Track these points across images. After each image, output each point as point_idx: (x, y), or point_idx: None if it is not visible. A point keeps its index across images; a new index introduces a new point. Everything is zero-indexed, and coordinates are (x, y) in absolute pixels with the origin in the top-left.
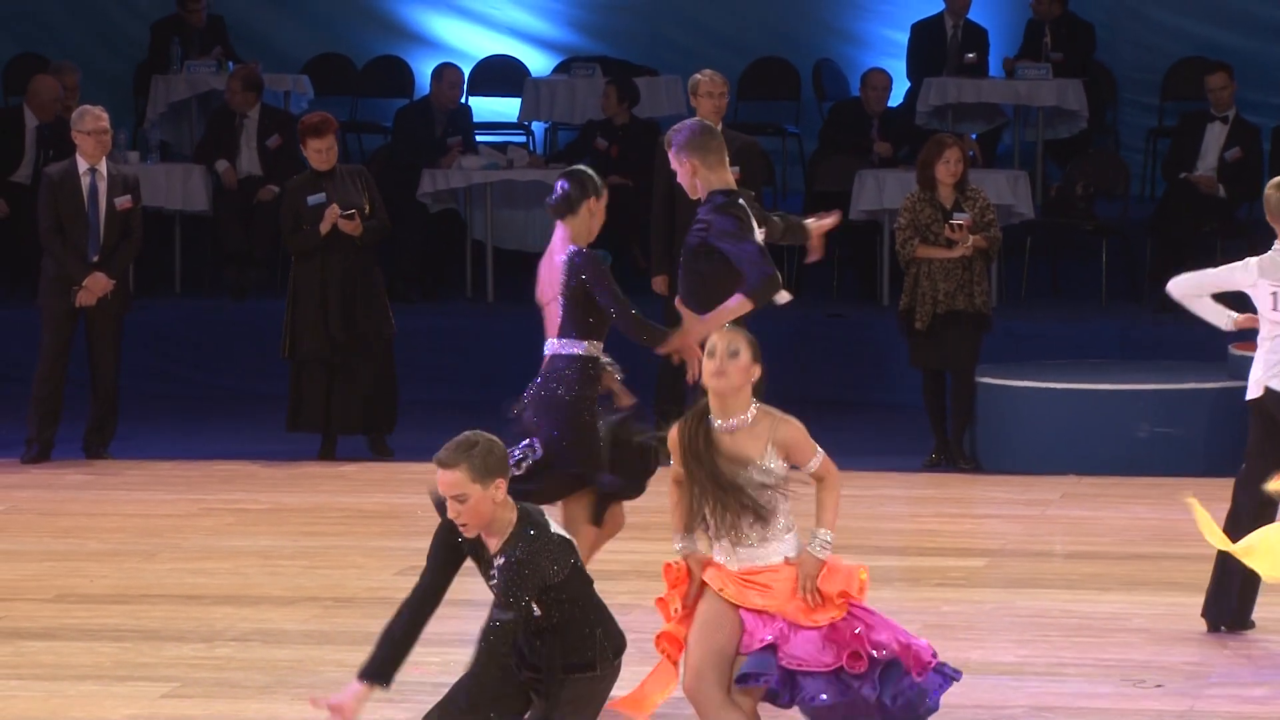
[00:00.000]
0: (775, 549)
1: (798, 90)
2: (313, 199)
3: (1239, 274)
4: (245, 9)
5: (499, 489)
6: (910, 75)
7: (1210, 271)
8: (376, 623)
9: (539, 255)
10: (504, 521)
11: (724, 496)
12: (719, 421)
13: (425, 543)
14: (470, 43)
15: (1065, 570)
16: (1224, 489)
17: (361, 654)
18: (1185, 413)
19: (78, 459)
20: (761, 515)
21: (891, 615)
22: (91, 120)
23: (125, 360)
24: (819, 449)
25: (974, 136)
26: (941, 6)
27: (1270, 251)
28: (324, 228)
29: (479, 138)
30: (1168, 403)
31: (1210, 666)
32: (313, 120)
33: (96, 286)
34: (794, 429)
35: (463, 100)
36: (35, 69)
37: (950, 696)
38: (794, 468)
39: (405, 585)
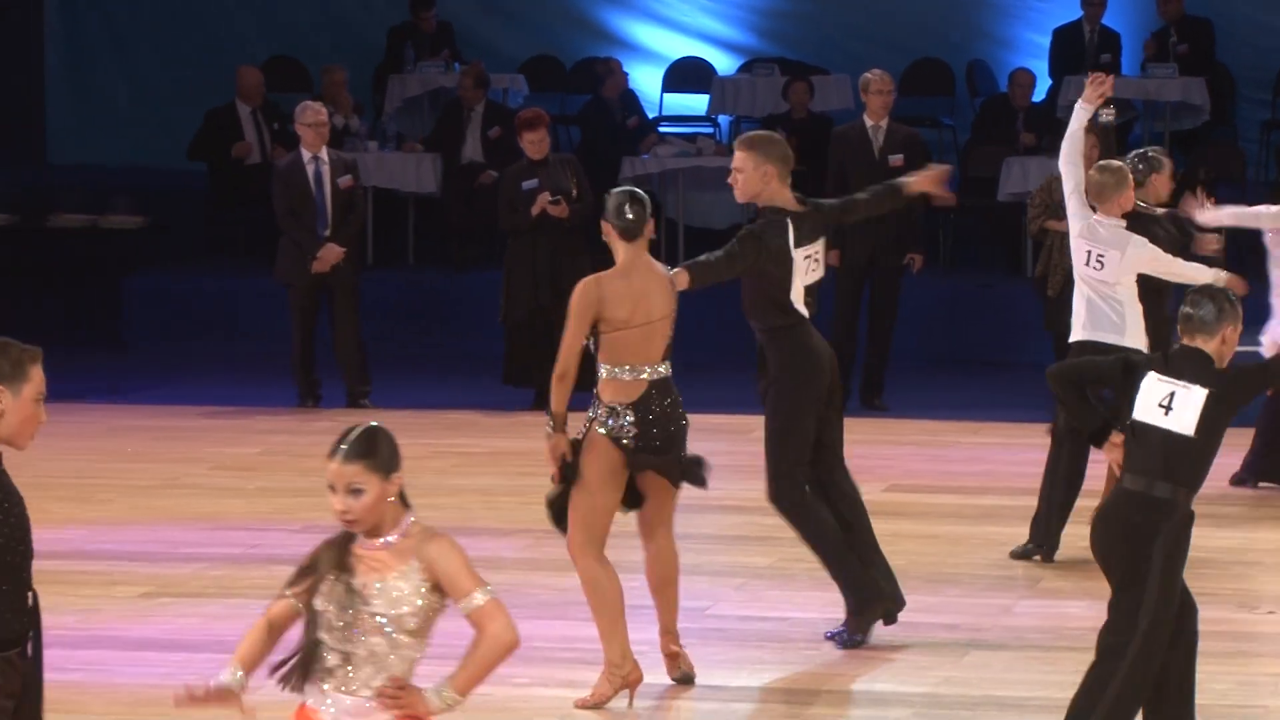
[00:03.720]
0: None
1: (952, 87)
2: (526, 184)
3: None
4: (470, 15)
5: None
6: (1052, 74)
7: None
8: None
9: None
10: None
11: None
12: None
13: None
14: (665, 45)
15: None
16: None
17: (575, 581)
18: None
19: (341, 407)
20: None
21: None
22: (312, 114)
23: (365, 323)
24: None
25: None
26: (1080, 13)
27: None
28: (534, 210)
29: (673, 129)
30: None
31: None
32: (527, 115)
33: (330, 256)
34: (446, 547)
35: (628, 86)
36: (287, 70)
37: None
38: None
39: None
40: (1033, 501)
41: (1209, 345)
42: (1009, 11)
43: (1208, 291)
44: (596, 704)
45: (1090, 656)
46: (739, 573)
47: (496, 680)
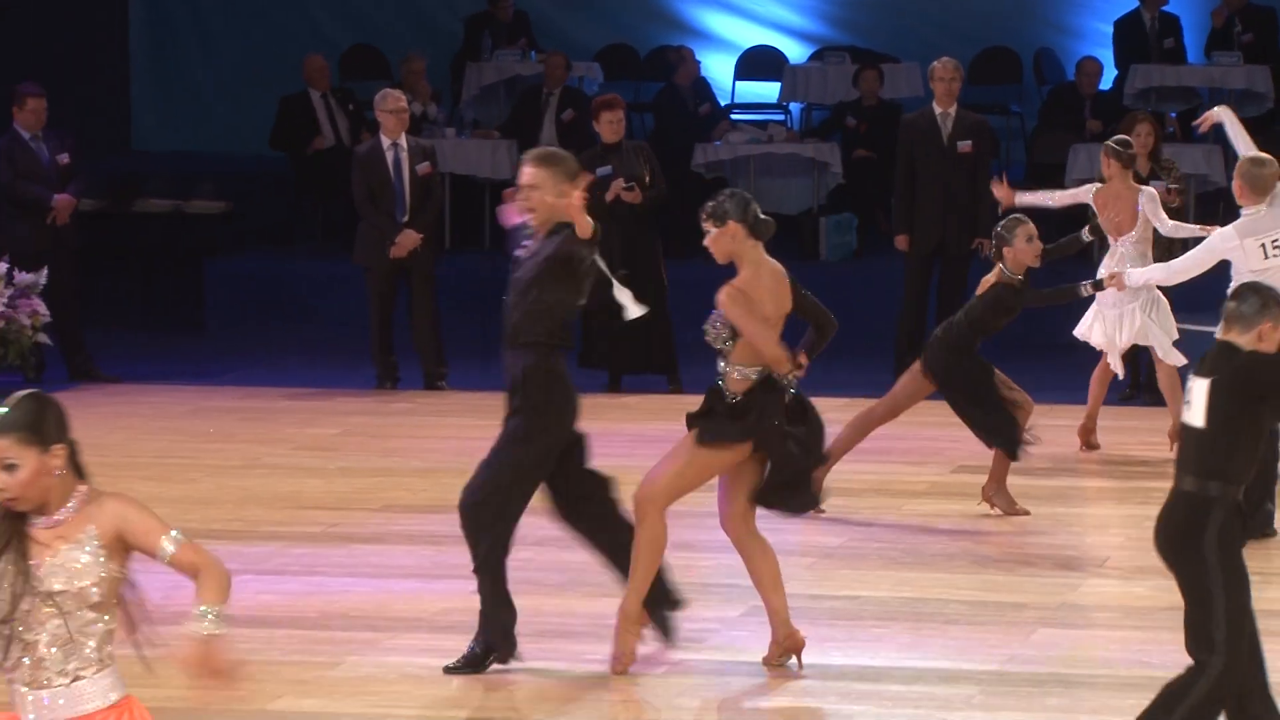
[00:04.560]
0: (93, 688)
1: (1020, 75)
2: (600, 170)
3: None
4: (546, 4)
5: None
6: (1117, 64)
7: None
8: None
9: (795, 218)
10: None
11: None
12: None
13: None
14: (737, 34)
15: None
16: None
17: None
18: None
19: (418, 389)
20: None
21: None
22: (392, 101)
23: (441, 307)
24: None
25: (1173, 115)
26: (1137, 2)
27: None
28: (609, 196)
29: (745, 117)
30: None
31: None
32: (605, 97)
33: (408, 241)
34: (123, 504)
35: (700, 74)
36: (366, 59)
37: None
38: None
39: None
40: (1099, 483)
41: (1243, 339)
42: (1076, 1)
43: (1253, 286)
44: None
45: (1155, 634)
46: (810, 552)
47: (570, 656)
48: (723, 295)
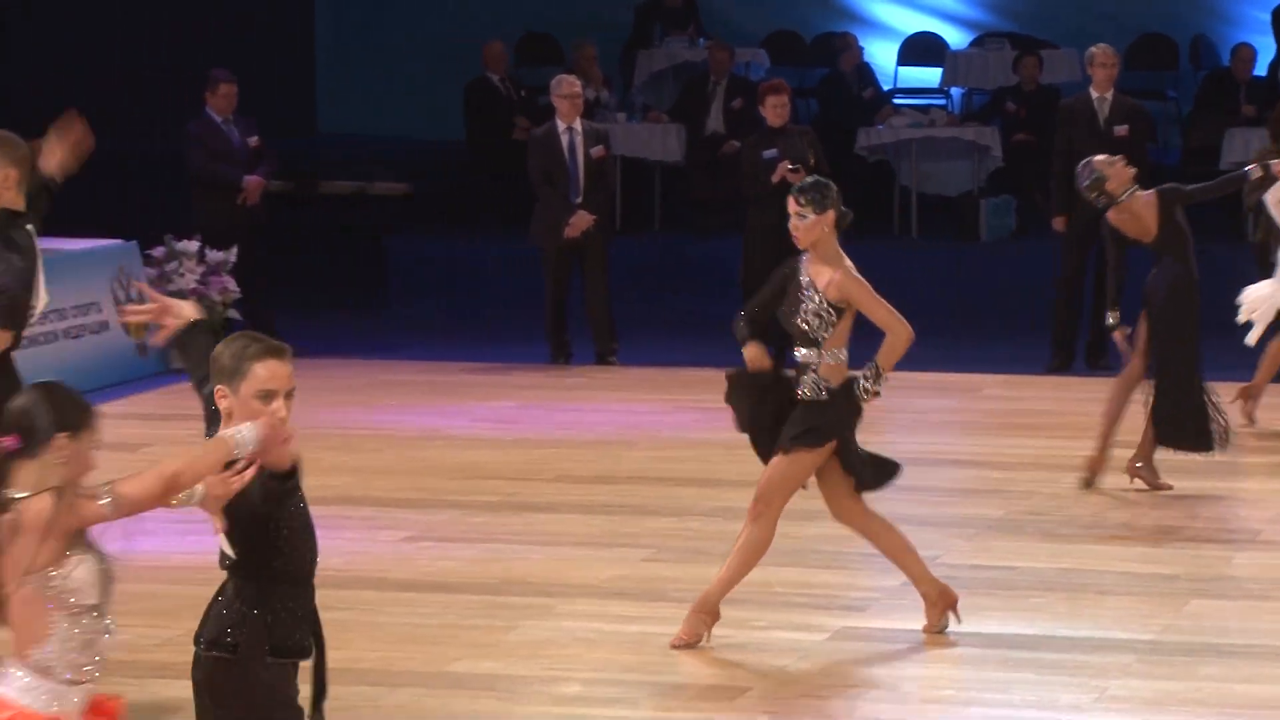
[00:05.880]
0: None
1: (1176, 61)
2: (767, 154)
3: None
4: None
5: None
6: (1278, 49)
7: None
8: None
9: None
10: None
11: None
12: None
13: (861, 437)
14: (900, 20)
15: None
16: None
17: (810, 530)
18: None
19: (589, 364)
20: None
21: None
22: (566, 87)
23: (613, 285)
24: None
25: None
26: None
27: None
28: (774, 178)
29: (907, 101)
30: None
31: None
32: (771, 82)
33: (581, 223)
34: None
35: (864, 60)
36: (539, 46)
37: None
38: None
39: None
40: (1255, 458)
41: None
42: None
43: None
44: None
45: None
46: (969, 524)
47: (736, 623)
48: (848, 282)
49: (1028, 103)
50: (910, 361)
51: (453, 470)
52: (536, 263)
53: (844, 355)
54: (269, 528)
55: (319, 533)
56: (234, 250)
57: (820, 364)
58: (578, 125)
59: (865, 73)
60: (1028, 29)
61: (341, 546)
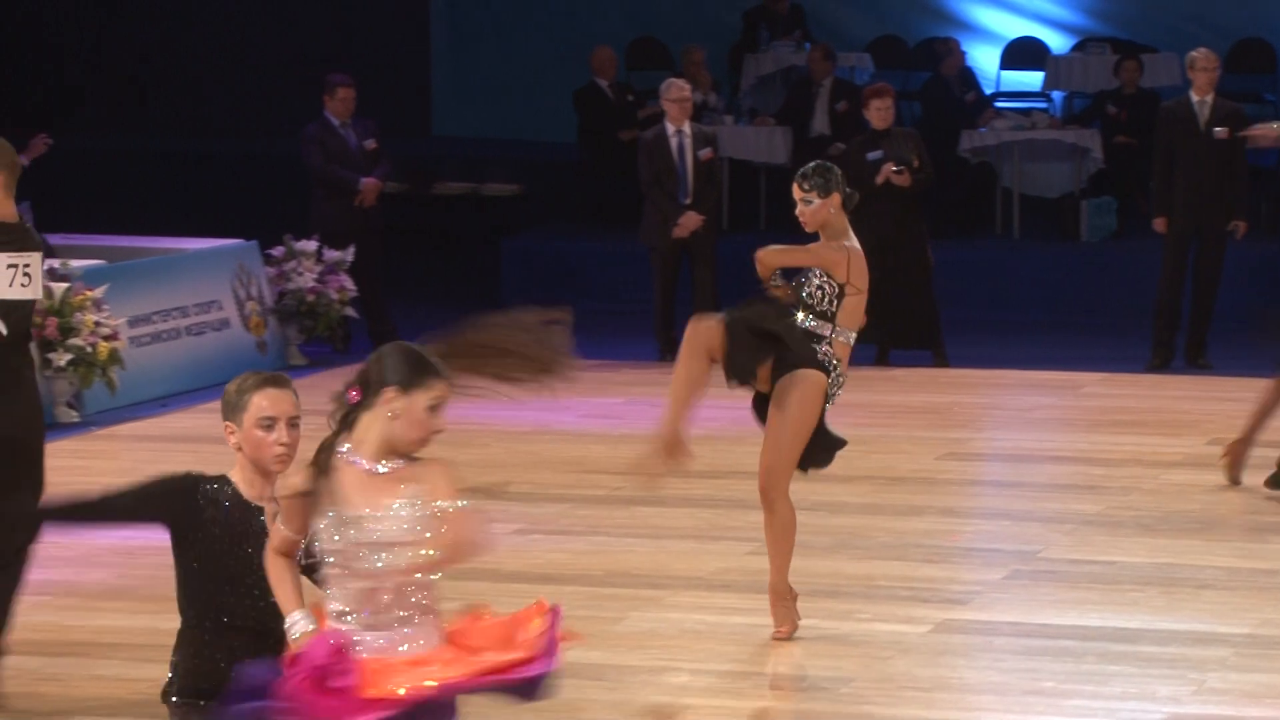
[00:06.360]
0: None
1: (1274, 65)
2: (871, 155)
3: None
4: None
5: None
6: None
7: None
8: (921, 499)
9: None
10: None
11: None
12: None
13: (964, 435)
14: (1002, 25)
15: None
16: None
17: (914, 525)
18: None
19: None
20: None
21: None
22: (676, 90)
23: (720, 284)
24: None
25: None
26: None
27: None
28: (879, 179)
29: (1009, 105)
30: None
31: None
32: (876, 86)
33: (690, 222)
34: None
35: (966, 64)
36: (649, 50)
37: None
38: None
39: (948, 469)
40: None
41: None
42: None
43: None
44: None
45: None
46: (1069, 519)
47: (840, 615)
48: (823, 248)
49: (1128, 106)
50: (1011, 360)
51: (562, 464)
52: (645, 261)
53: (853, 337)
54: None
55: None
56: (351, 249)
57: (832, 339)
58: (686, 128)
59: (968, 77)
60: (1128, 34)
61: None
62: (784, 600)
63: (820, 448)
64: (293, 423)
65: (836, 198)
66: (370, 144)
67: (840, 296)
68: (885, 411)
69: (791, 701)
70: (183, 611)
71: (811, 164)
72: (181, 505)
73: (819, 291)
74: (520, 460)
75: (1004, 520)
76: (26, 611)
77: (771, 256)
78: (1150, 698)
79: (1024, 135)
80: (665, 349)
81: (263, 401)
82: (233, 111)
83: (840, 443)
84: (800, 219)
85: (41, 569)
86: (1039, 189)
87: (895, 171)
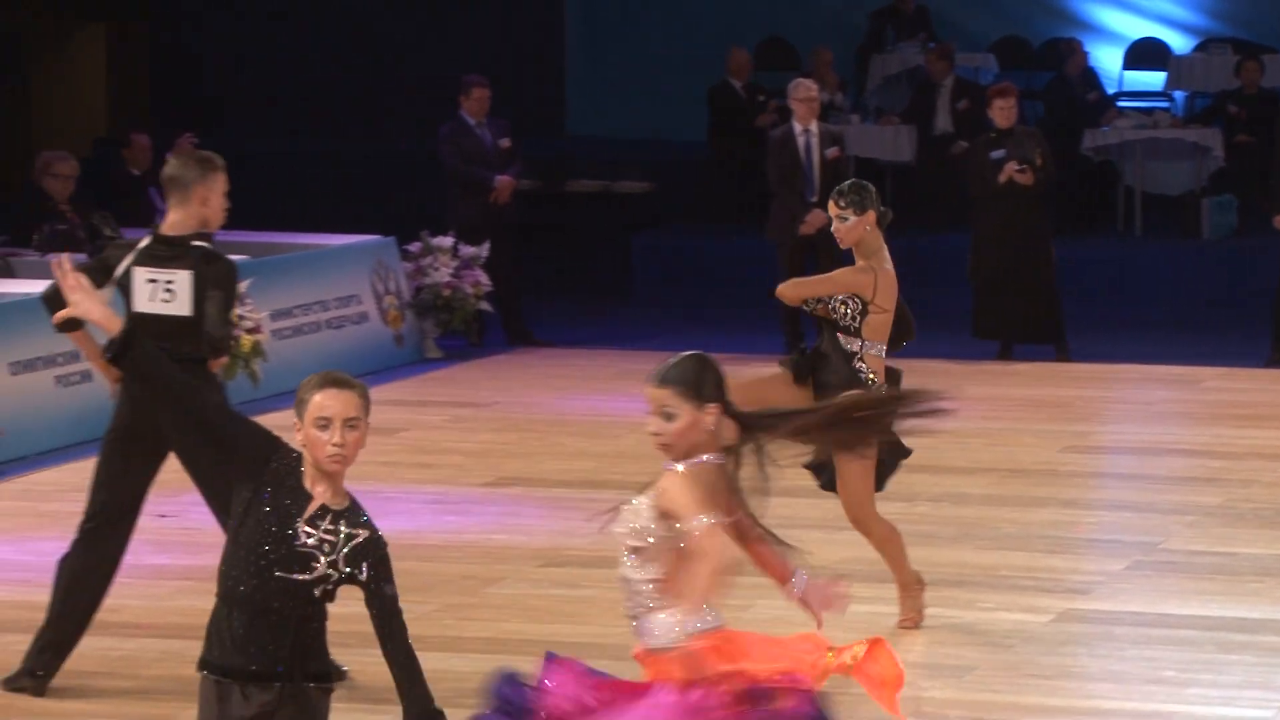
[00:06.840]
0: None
1: None
2: (994, 154)
3: None
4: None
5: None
6: None
7: None
8: (1044, 490)
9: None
10: None
11: None
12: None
13: (1086, 428)
14: (1125, 26)
15: None
16: None
17: (1037, 515)
18: None
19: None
20: None
21: None
22: (803, 91)
23: None
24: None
25: None
26: None
27: None
28: (1002, 178)
29: (1132, 104)
30: None
31: None
32: (999, 86)
33: (816, 220)
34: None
35: (1089, 64)
36: (778, 50)
37: None
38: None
39: (1070, 461)
40: None
41: None
42: None
43: None
44: None
45: None
46: (1190, 510)
47: (964, 604)
48: (845, 275)
49: (1249, 106)
50: (1133, 355)
51: None
52: (773, 258)
53: (883, 350)
54: None
55: (567, 515)
56: (486, 246)
57: (864, 353)
58: (814, 127)
59: (1090, 76)
60: (1250, 35)
61: (587, 527)
62: (910, 591)
63: (889, 468)
64: (350, 424)
65: (871, 215)
66: (505, 143)
67: (864, 314)
68: (1008, 405)
69: (914, 689)
70: (218, 579)
71: (848, 182)
72: (263, 458)
73: (843, 307)
74: (650, 451)
75: (1126, 512)
76: (169, 595)
77: (792, 290)
78: (1270, 687)
79: (1146, 134)
80: (792, 343)
81: (321, 400)
82: (372, 112)
83: (907, 451)
84: (835, 235)
85: (188, 553)
86: (1161, 187)
87: (1018, 170)
